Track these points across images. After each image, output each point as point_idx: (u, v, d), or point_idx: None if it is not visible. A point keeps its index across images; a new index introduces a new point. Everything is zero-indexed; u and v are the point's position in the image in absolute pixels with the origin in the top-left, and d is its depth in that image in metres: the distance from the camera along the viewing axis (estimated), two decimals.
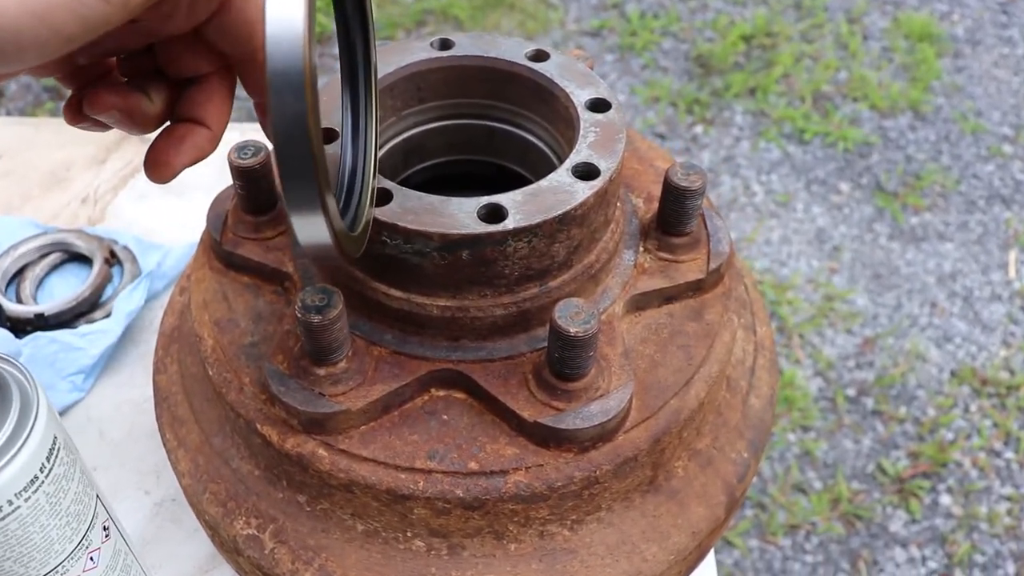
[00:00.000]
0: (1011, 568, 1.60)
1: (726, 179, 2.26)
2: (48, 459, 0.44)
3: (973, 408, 1.82)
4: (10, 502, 0.42)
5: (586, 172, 0.51)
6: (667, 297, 0.57)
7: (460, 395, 0.53)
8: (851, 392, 1.85)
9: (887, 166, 2.29)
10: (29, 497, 0.43)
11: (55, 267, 0.84)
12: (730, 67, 2.54)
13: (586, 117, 0.54)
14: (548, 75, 0.57)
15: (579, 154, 0.52)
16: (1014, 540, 1.63)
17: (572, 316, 0.47)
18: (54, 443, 0.44)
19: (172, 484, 0.70)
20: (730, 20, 2.69)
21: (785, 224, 2.16)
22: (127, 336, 0.79)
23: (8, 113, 2.42)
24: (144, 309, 0.80)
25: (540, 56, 0.59)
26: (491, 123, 0.62)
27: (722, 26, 2.66)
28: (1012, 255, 2.09)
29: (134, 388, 0.76)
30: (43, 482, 0.43)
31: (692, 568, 0.58)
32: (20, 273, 0.82)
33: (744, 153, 2.33)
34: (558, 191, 0.50)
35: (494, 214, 0.48)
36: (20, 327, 0.77)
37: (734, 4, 2.75)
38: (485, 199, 0.49)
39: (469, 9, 2.66)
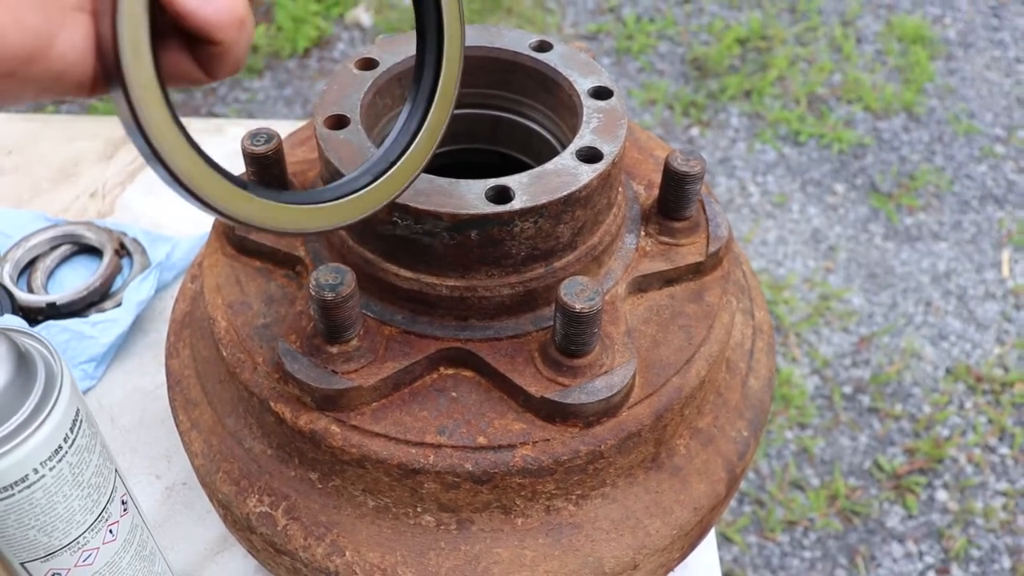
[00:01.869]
0: (1007, 562, 1.61)
1: (722, 180, 2.28)
2: (71, 430, 0.45)
3: (968, 405, 1.83)
4: (36, 470, 0.43)
5: (590, 155, 0.53)
6: (668, 279, 0.59)
7: (468, 373, 0.54)
8: (848, 390, 1.86)
9: (881, 167, 2.31)
10: (54, 467, 0.44)
11: (65, 258, 0.85)
12: (726, 70, 2.56)
13: (589, 104, 0.56)
14: (552, 64, 0.59)
15: (583, 139, 0.54)
16: (1010, 535, 1.65)
17: (577, 293, 0.48)
18: (77, 415, 0.46)
19: (182, 469, 0.71)
20: (725, 24, 2.71)
21: (781, 225, 2.18)
22: (137, 325, 0.80)
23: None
24: (154, 299, 0.82)
25: (543, 47, 0.60)
26: (495, 112, 0.63)
27: (718, 29, 2.68)
28: (1005, 254, 2.11)
29: (144, 376, 0.77)
30: (67, 452, 0.45)
31: (694, 544, 0.60)
32: (31, 264, 0.84)
33: (740, 155, 2.35)
34: (563, 173, 0.51)
35: (501, 195, 0.50)
36: (32, 316, 0.78)
37: (729, 8, 2.78)
38: (492, 181, 0.51)
39: (467, 13, 2.68)
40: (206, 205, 0.38)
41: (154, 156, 0.35)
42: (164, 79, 0.35)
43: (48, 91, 0.35)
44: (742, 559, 1.63)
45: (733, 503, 1.69)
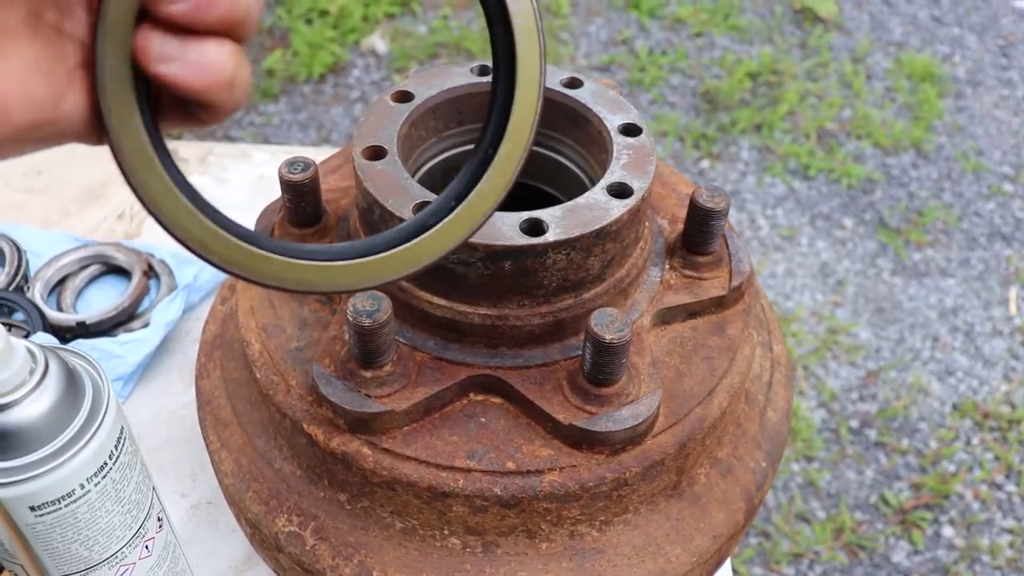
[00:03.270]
0: None
1: (732, 213, 2.30)
2: (116, 447, 0.46)
3: (975, 441, 1.84)
4: (82, 486, 0.45)
5: (620, 191, 0.54)
6: (691, 312, 0.61)
7: (497, 400, 0.55)
8: (854, 424, 1.87)
9: (890, 202, 2.33)
10: (98, 482, 0.45)
11: (94, 278, 0.87)
12: (736, 103, 2.59)
13: (619, 141, 0.58)
14: (582, 101, 0.61)
15: (613, 174, 0.55)
16: (1016, 573, 1.64)
17: (607, 324, 0.50)
18: (121, 433, 0.47)
19: (208, 487, 0.72)
20: (737, 58, 2.74)
21: (790, 258, 2.20)
22: (164, 346, 0.82)
23: None
24: (180, 320, 0.83)
25: (574, 83, 0.62)
26: None
27: (729, 63, 2.71)
28: (1013, 292, 2.12)
29: (170, 396, 0.79)
30: (111, 469, 0.46)
31: (712, 571, 0.61)
32: (61, 283, 0.85)
33: (750, 188, 2.37)
34: (594, 208, 0.53)
35: (535, 228, 0.52)
36: (61, 334, 0.80)
37: (741, 42, 2.81)
38: (526, 214, 0.52)
39: (481, 42, 2.72)
40: (220, 268, 0.36)
41: (155, 220, 0.35)
42: (160, 135, 0.34)
43: (52, 145, 0.35)
44: None
45: None
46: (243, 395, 0.63)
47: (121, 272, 0.87)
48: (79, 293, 0.86)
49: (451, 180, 0.66)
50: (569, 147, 0.63)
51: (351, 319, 0.50)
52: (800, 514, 1.73)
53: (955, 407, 1.89)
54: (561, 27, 2.84)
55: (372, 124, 0.58)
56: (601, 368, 0.51)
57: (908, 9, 2.95)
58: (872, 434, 1.85)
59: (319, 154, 1.00)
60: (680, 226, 0.62)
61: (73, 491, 0.45)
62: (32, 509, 0.44)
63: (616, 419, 0.52)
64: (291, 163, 0.60)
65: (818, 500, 1.75)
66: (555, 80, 0.62)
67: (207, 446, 0.64)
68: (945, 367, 1.97)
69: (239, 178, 1.00)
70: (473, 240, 0.50)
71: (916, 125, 2.53)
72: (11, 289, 0.82)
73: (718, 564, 0.61)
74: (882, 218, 2.29)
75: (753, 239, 2.24)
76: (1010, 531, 1.70)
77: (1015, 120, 2.58)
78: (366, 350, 0.52)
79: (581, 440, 0.52)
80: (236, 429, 0.62)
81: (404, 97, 0.61)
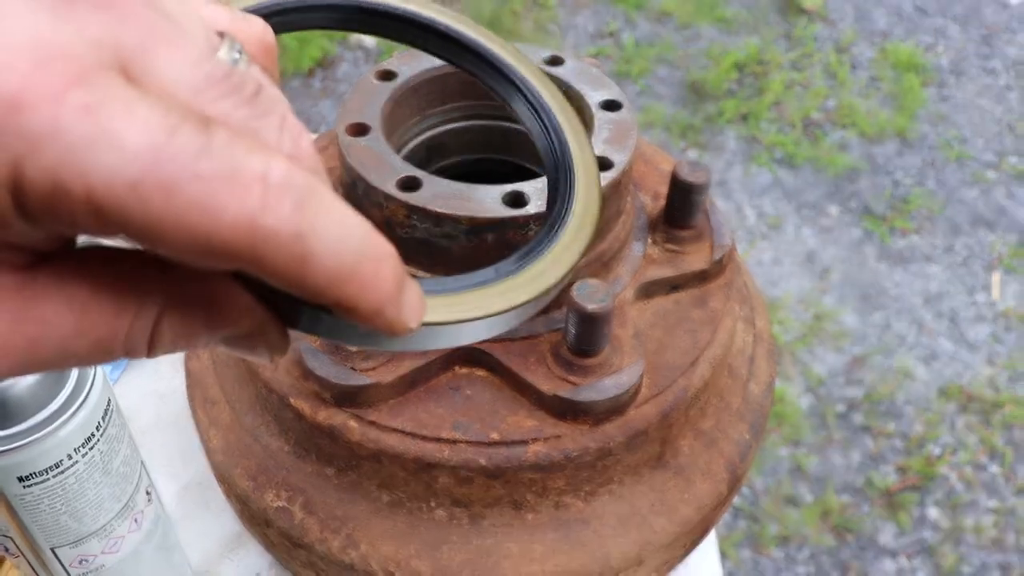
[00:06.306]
0: None
1: (719, 202, 2.31)
2: (103, 419, 0.47)
3: (959, 424, 1.86)
4: (70, 456, 0.45)
5: (601, 164, 0.55)
6: (673, 285, 0.61)
7: (482, 372, 0.56)
8: (841, 408, 1.88)
9: (875, 190, 2.35)
10: (86, 453, 0.46)
11: None
12: (723, 94, 2.60)
13: (600, 116, 0.58)
14: (564, 78, 0.61)
15: (594, 148, 0.56)
16: (1000, 551, 1.66)
17: (589, 294, 0.51)
18: (108, 404, 0.47)
19: (197, 469, 0.73)
20: (723, 48, 2.75)
21: (776, 246, 2.21)
22: None
23: None
24: None
25: (556, 61, 0.63)
26: (508, 123, 0.66)
27: (715, 54, 2.72)
28: (996, 277, 2.14)
29: (159, 380, 0.79)
30: (99, 440, 0.47)
31: (697, 542, 0.62)
32: None
33: (736, 177, 2.38)
34: None
35: (517, 200, 0.52)
36: None
37: (727, 33, 2.82)
38: (508, 187, 0.53)
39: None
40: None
41: None
42: None
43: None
44: (737, 573, 1.64)
45: (728, 518, 1.70)
46: (231, 374, 0.63)
47: None
48: None
49: (435, 157, 0.67)
50: None
51: None
52: (788, 498, 1.74)
53: (940, 391, 1.91)
54: (548, 19, 2.84)
55: (356, 102, 0.58)
56: (584, 339, 0.52)
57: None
58: (858, 418, 1.87)
59: None
60: (662, 202, 0.63)
61: (61, 462, 0.45)
62: (20, 480, 0.45)
63: (599, 389, 0.53)
64: None
65: (805, 484, 1.76)
66: (537, 59, 0.62)
67: (196, 424, 0.64)
68: (930, 352, 1.99)
69: None
70: (456, 212, 0.51)
71: (900, 114, 2.55)
72: None
73: (703, 534, 0.62)
74: (867, 206, 2.31)
75: (740, 228, 2.25)
76: (994, 511, 1.72)
77: (998, 108, 2.60)
78: None
79: (565, 410, 0.53)
80: (224, 407, 0.63)
81: (387, 76, 0.61)
